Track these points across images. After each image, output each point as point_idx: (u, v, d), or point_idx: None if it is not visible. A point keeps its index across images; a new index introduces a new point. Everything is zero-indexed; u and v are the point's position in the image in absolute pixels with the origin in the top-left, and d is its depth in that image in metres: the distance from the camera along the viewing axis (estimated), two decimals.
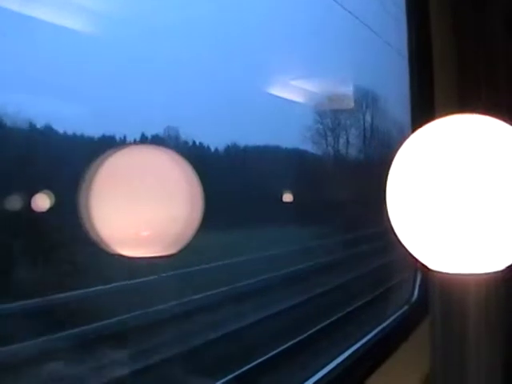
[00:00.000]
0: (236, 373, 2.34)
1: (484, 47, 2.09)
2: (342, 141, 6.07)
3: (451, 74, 1.99)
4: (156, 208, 0.89)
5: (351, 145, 6.21)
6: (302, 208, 4.96)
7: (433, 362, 0.75)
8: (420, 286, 1.59)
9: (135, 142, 2.69)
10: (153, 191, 0.90)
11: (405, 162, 0.73)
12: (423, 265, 0.72)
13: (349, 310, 3.64)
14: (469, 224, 0.67)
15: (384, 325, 1.41)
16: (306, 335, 3.08)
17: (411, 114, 1.94)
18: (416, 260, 0.72)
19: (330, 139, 5.93)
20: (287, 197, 4.91)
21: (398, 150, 0.75)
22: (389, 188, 0.73)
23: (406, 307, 1.55)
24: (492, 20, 2.08)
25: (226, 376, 2.23)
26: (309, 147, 5.94)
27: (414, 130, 0.75)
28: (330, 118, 5.90)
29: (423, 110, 1.87)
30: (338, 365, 1.15)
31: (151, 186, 0.90)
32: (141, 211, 0.88)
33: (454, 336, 0.71)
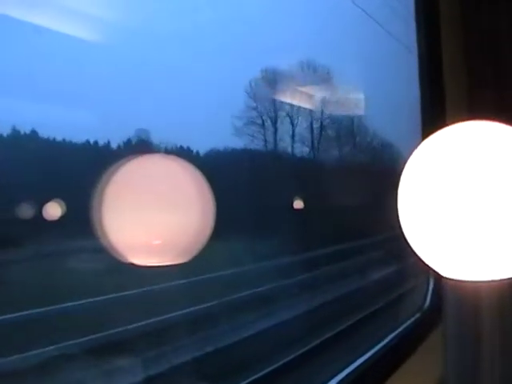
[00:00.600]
0: None
1: (494, 51, 2.08)
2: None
3: (461, 79, 1.99)
4: (168, 217, 0.89)
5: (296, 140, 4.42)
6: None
7: (445, 370, 0.75)
8: (433, 292, 1.59)
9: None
10: (164, 200, 0.91)
11: (416, 169, 0.73)
12: (436, 272, 0.72)
13: None
14: (481, 230, 0.67)
15: (396, 332, 1.41)
16: None
17: (421, 119, 1.94)
18: (428, 267, 0.72)
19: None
20: None
21: (409, 156, 0.75)
22: (400, 195, 0.73)
23: (418, 314, 1.54)
24: (502, 23, 2.08)
25: None
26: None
27: (424, 135, 0.75)
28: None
29: (433, 116, 1.87)
30: (349, 374, 1.14)
31: (163, 195, 0.91)
32: (152, 220, 0.89)
33: (468, 344, 0.71)
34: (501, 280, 0.68)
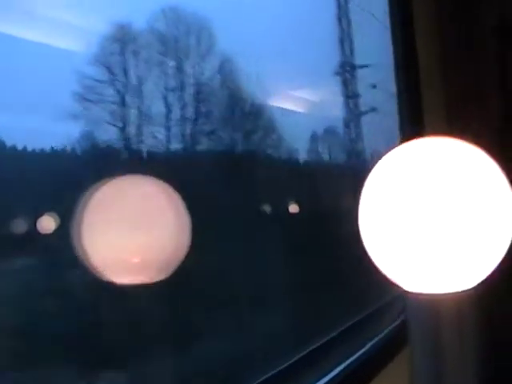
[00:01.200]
0: None
1: (472, 58, 2.09)
2: None
3: (439, 90, 2.01)
4: (145, 235, 0.92)
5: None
6: None
7: (411, 381, 0.77)
8: None
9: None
10: (142, 219, 0.93)
11: (376, 184, 0.75)
12: (397, 285, 0.74)
13: None
14: (440, 244, 0.70)
15: (375, 340, 1.42)
16: None
17: (400, 131, 1.96)
18: (389, 281, 0.74)
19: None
20: None
21: (370, 170, 0.78)
22: (361, 208, 0.76)
23: (396, 322, 1.56)
24: (481, 28, 2.09)
25: None
26: None
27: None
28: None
29: (412, 130, 1.89)
30: None
31: (140, 214, 0.93)
32: (131, 238, 0.92)
33: (430, 356, 0.73)
34: (458, 292, 0.71)
